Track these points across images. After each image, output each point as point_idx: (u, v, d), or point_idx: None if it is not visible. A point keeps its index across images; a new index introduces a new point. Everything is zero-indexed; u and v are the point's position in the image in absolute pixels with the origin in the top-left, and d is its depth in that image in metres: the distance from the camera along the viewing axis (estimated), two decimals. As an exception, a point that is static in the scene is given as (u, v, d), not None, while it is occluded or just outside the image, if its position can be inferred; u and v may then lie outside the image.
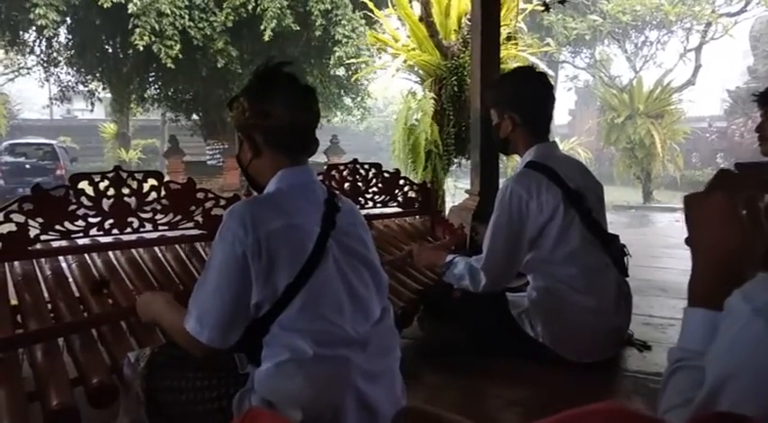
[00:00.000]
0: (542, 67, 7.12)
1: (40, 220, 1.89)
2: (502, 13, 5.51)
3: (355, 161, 2.85)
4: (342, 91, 13.92)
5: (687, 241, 0.80)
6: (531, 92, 2.07)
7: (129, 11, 10.26)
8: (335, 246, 1.30)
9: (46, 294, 1.85)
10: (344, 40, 11.02)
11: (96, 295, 1.87)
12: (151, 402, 1.36)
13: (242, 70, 11.68)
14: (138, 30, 10.42)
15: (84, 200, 1.95)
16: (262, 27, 10.56)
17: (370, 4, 6.15)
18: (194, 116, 14.50)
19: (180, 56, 10.79)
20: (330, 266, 1.27)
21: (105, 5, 10.22)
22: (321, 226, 1.29)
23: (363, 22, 11.04)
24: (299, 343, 1.22)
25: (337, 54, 11.07)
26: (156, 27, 10.46)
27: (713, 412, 0.40)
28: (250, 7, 10.63)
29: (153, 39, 10.54)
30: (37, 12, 10.57)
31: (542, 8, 5.46)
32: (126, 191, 2.03)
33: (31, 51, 12.92)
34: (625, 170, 14.20)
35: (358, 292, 1.32)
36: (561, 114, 25.03)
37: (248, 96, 1.35)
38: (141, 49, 10.54)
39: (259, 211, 1.26)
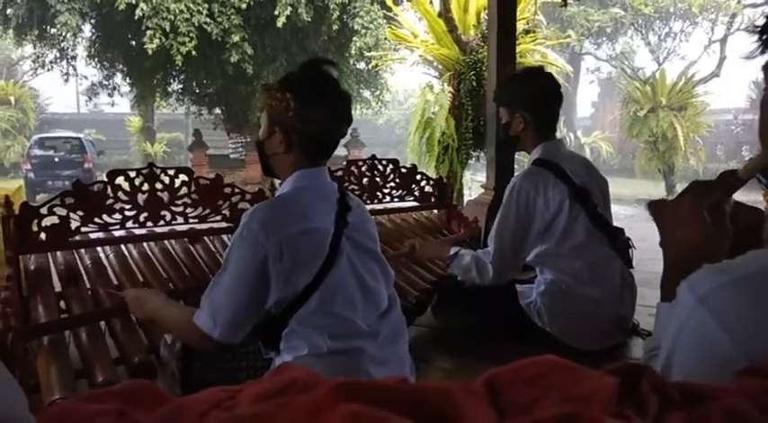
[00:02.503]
0: (561, 61, 7.15)
1: (81, 213, 2.03)
2: (520, 7, 5.57)
3: (373, 157, 2.96)
4: (362, 85, 14.00)
5: (661, 244, 0.89)
6: (542, 93, 2.16)
7: (136, 16, 10.34)
8: (348, 243, 1.40)
9: (87, 282, 2.01)
10: (363, 30, 11.01)
11: None
12: (185, 380, 1.50)
13: (256, 69, 11.78)
14: (149, 32, 10.50)
15: (120, 194, 2.09)
16: (276, 13, 10.51)
17: (389, 2, 6.25)
18: (217, 110, 14.70)
19: (193, 53, 10.82)
20: (344, 264, 1.37)
21: (120, 7, 10.39)
22: (335, 225, 1.38)
23: (381, 14, 11.05)
24: (315, 338, 1.32)
25: (357, 44, 11.07)
26: (168, 27, 10.48)
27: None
28: None
29: (165, 39, 10.58)
30: (59, 19, 10.82)
31: (561, 3, 5.50)
32: (159, 186, 2.17)
33: (58, 46, 13.23)
34: (647, 163, 14.07)
35: (368, 284, 1.42)
36: (584, 106, 24.86)
37: (297, 97, 1.35)
38: (152, 51, 10.62)
39: (279, 215, 1.34)
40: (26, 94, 20.79)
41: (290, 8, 10.46)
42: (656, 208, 0.91)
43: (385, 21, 10.70)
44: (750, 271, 0.61)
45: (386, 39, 10.63)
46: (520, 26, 5.51)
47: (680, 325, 0.63)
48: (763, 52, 0.71)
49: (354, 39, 11.16)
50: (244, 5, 10.85)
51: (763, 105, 0.72)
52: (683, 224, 0.85)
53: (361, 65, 13.23)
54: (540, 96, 2.15)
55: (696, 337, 0.61)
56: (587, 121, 23.59)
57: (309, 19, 11.00)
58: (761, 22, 0.71)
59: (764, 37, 0.69)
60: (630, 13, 15.78)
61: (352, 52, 11.40)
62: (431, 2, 5.98)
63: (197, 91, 14.07)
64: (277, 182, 1.74)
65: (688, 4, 15.70)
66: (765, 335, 0.56)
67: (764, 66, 0.72)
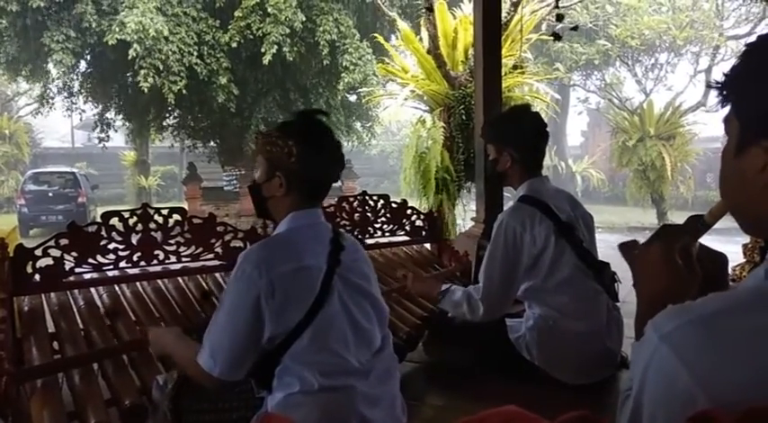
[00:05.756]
0: (551, 93, 7.30)
1: (75, 254, 2.05)
2: (508, 44, 5.73)
3: (364, 193, 3.01)
4: (353, 117, 14.21)
5: (634, 285, 0.93)
6: (529, 132, 2.22)
7: (130, 56, 10.58)
8: (340, 282, 1.44)
9: (80, 323, 2.02)
10: (352, 66, 11.27)
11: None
12: (177, 421, 1.51)
13: (250, 104, 11.96)
14: (143, 71, 10.75)
15: (114, 235, 2.13)
16: (262, 50, 10.79)
17: (380, 38, 6.41)
18: (211, 143, 14.82)
19: (183, 92, 11.10)
20: (335, 302, 1.41)
21: (111, 43, 10.60)
22: (327, 264, 1.43)
23: (371, 50, 11.31)
24: (307, 375, 1.35)
25: (346, 80, 11.32)
26: (161, 66, 10.75)
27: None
28: (255, 28, 10.85)
29: (158, 78, 10.84)
30: (54, 57, 11.10)
31: (552, 38, 5.63)
32: (152, 226, 2.20)
33: (53, 83, 13.39)
34: (638, 191, 14.22)
35: (361, 324, 1.46)
36: (574, 136, 25.14)
37: (297, 143, 1.44)
38: (147, 89, 10.86)
39: (272, 255, 1.39)
40: (21, 129, 20.87)
41: (275, 47, 10.69)
42: (627, 250, 0.95)
43: (374, 57, 10.95)
44: (709, 310, 0.65)
45: (374, 74, 10.85)
46: (508, 62, 5.66)
47: (646, 362, 0.67)
48: (723, 106, 0.76)
49: (343, 75, 11.41)
50: (234, 44, 11.10)
51: (723, 157, 0.77)
52: (654, 267, 0.89)
53: (353, 98, 13.46)
54: (526, 135, 2.22)
55: (660, 373, 0.65)
56: (578, 150, 23.83)
57: (296, 56, 11.24)
58: (721, 78, 0.76)
59: (724, 92, 0.74)
60: (617, 45, 16.13)
61: (340, 87, 11.65)
62: (420, 39, 6.14)
63: (191, 125, 14.21)
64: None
65: (673, 37, 16.08)
66: (722, 370, 0.60)
67: (725, 118, 0.77)
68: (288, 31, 10.75)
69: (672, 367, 0.63)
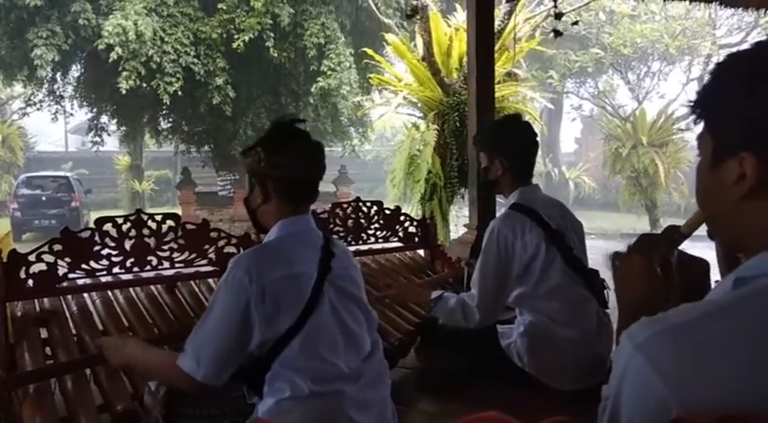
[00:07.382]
0: (544, 102, 7.34)
1: (68, 259, 2.06)
2: (502, 55, 5.77)
3: (358, 199, 3.03)
4: (348, 123, 14.24)
5: (616, 295, 0.96)
6: (520, 141, 2.25)
7: (111, 59, 10.45)
8: (330, 288, 1.46)
9: (72, 328, 2.02)
10: (329, 71, 11.20)
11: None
12: (169, 427, 1.52)
13: (242, 108, 11.96)
14: (124, 73, 10.63)
15: (108, 241, 2.13)
16: (236, 37, 10.73)
17: (370, 51, 6.45)
18: (206, 148, 14.81)
19: (179, 93, 11.01)
20: (326, 308, 1.43)
21: (100, 47, 10.51)
22: (318, 271, 1.45)
23: (352, 59, 11.30)
24: (297, 381, 1.36)
25: (320, 84, 11.26)
26: (143, 70, 10.64)
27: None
28: (238, 22, 10.80)
29: (150, 80, 10.72)
30: (35, 52, 10.89)
31: (554, 35, 5.63)
32: (146, 232, 2.21)
33: (47, 87, 13.35)
34: (630, 198, 14.32)
35: (351, 329, 1.48)
36: (567, 143, 25.26)
37: (265, 147, 1.48)
38: (125, 91, 10.73)
39: (262, 261, 1.41)
40: (14, 132, 20.80)
41: (250, 34, 10.60)
42: (613, 261, 0.97)
43: (353, 64, 10.90)
44: (681, 319, 0.67)
45: (350, 82, 10.80)
46: (502, 71, 5.69)
47: (621, 371, 0.69)
48: (696, 123, 0.79)
49: (318, 79, 11.34)
50: (215, 35, 11.04)
51: (698, 171, 0.80)
52: (634, 278, 0.91)
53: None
54: (517, 144, 2.24)
55: (634, 381, 0.67)
56: (571, 157, 23.93)
57: (286, 60, 11.22)
58: (694, 96, 0.79)
59: (697, 110, 0.77)
60: (610, 53, 16.24)
61: (313, 91, 11.57)
62: (414, 46, 6.18)
63: (186, 129, 14.18)
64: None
65: (665, 45, 16.22)
66: (693, 377, 0.62)
67: (698, 136, 0.80)
68: (270, 23, 10.64)
69: (646, 375, 0.65)
